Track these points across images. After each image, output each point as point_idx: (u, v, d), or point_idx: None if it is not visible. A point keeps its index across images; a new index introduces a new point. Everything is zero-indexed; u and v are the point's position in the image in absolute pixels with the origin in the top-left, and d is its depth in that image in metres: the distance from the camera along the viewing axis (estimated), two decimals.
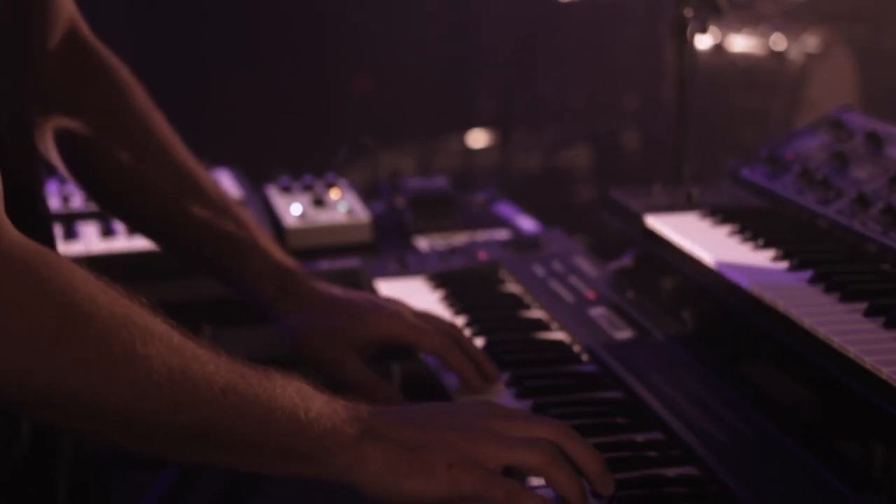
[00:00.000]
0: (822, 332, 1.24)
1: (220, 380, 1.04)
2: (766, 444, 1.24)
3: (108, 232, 1.90)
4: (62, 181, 2.01)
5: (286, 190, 2.07)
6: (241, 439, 1.06)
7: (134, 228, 1.67)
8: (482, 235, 2.01)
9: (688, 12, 1.82)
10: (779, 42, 4.57)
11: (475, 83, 5.03)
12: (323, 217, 1.98)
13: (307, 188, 2.08)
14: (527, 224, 2.07)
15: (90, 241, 1.88)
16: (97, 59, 1.51)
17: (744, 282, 1.40)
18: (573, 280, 1.71)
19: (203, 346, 1.05)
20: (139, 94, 1.53)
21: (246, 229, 1.54)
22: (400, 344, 1.47)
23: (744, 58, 4.62)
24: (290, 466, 1.09)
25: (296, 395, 1.08)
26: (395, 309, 1.49)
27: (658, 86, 4.86)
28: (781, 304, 1.32)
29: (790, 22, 4.66)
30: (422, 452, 1.09)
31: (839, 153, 1.65)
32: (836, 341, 1.22)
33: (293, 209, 2.00)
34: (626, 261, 1.74)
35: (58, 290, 0.97)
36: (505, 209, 2.15)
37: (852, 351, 1.19)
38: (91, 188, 1.56)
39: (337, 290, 1.53)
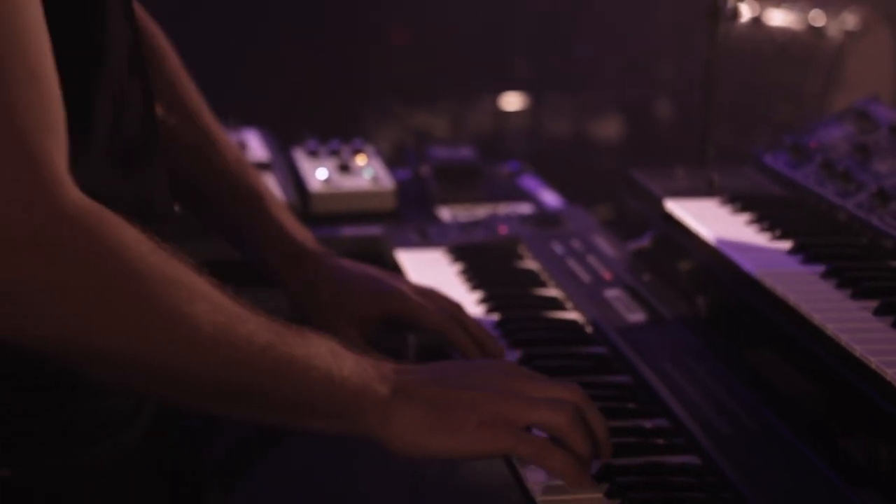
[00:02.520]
0: (831, 328, 1.25)
1: (261, 339, 1.08)
2: (769, 436, 1.26)
3: None
4: None
5: (313, 154, 2.09)
6: (279, 395, 1.10)
7: None
8: (505, 209, 2.02)
9: None
10: (818, 18, 4.53)
11: (511, 45, 5.02)
12: (347, 183, 2.00)
13: (334, 153, 2.10)
14: (550, 199, 2.08)
15: None
16: (139, 22, 1.54)
17: (756, 271, 1.41)
18: (591, 260, 1.73)
19: (244, 306, 1.09)
20: (172, 60, 1.56)
21: (262, 199, 1.57)
22: (402, 321, 1.50)
23: (781, 32, 4.59)
24: (322, 422, 1.13)
25: (329, 353, 1.12)
26: (398, 286, 1.52)
27: (694, 57, 4.83)
28: (792, 297, 1.33)
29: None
30: (449, 411, 1.12)
31: (862, 145, 1.66)
32: (844, 339, 1.23)
33: (318, 174, 2.02)
34: (644, 242, 1.75)
35: (113, 249, 1.01)
36: (530, 183, 2.16)
37: (858, 349, 1.20)
38: None
39: (345, 265, 1.56)
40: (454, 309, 1.49)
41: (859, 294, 1.33)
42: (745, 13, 4.68)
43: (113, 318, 1.01)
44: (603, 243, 1.79)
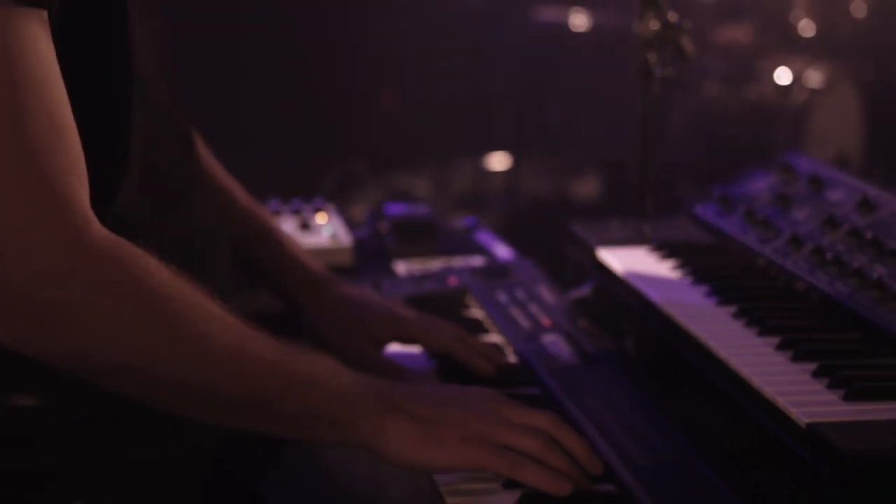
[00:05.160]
0: (734, 361, 1.35)
1: (269, 356, 1.22)
2: (682, 466, 1.34)
3: None
4: None
5: (275, 214, 2.19)
6: (285, 409, 1.24)
7: None
8: (459, 262, 2.12)
9: (651, 57, 1.92)
10: (783, 76, 4.67)
11: (491, 108, 5.15)
12: (307, 240, 2.09)
13: (295, 212, 2.20)
14: (502, 252, 2.18)
15: None
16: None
17: (673, 312, 1.51)
18: (533, 308, 1.83)
19: (252, 327, 1.22)
20: None
21: (277, 234, 1.76)
22: (410, 342, 1.67)
23: (750, 91, 4.72)
24: (322, 433, 1.27)
25: (330, 370, 1.27)
26: (406, 312, 1.69)
27: (665, 116, 4.96)
28: (703, 335, 1.43)
29: (797, 57, 4.76)
30: (436, 427, 1.25)
31: (783, 195, 1.76)
32: (744, 371, 1.32)
33: None
34: (584, 291, 1.85)
35: (139, 275, 1.15)
36: (484, 237, 2.26)
37: (756, 381, 1.30)
38: None
39: (356, 292, 1.74)
40: (456, 331, 1.65)
41: (765, 331, 1.43)
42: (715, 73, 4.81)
43: (139, 337, 1.14)
44: (546, 292, 1.89)
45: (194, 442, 1.35)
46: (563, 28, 4.89)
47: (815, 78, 4.61)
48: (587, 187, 5.08)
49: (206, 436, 1.35)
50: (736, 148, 4.59)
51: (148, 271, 1.16)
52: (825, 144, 4.67)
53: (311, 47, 4.71)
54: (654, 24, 1.93)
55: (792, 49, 4.84)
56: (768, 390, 1.27)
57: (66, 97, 1.13)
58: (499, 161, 5.09)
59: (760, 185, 1.84)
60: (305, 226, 2.15)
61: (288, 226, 2.14)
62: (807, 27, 4.90)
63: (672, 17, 1.92)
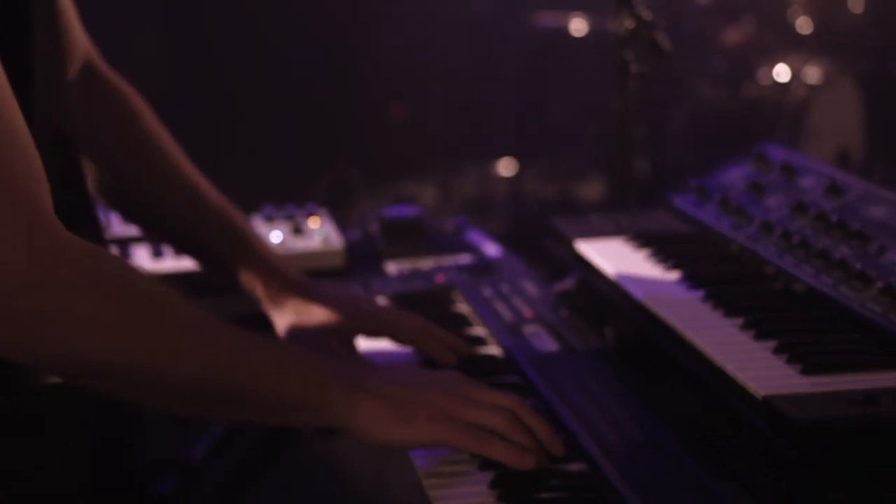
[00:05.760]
0: (699, 341, 1.40)
1: (242, 345, 1.27)
2: (655, 446, 1.39)
3: (157, 254, 2.11)
4: None
5: (269, 219, 2.25)
6: (260, 395, 1.28)
7: (149, 232, 1.93)
8: (448, 260, 2.17)
9: (627, 54, 1.97)
10: (782, 73, 4.70)
11: (493, 114, 5.20)
12: (299, 244, 2.15)
13: (289, 217, 2.25)
14: (491, 250, 2.23)
15: (142, 262, 2.09)
16: (111, 86, 1.73)
17: (643, 297, 1.56)
18: (517, 301, 1.87)
19: (223, 321, 1.28)
20: (149, 116, 1.77)
21: (246, 234, 1.79)
22: (378, 335, 1.71)
23: (748, 89, 4.76)
24: (295, 417, 1.32)
25: (298, 355, 1.33)
26: (375, 306, 1.75)
27: (665, 115, 5.00)
28: (671, 318, 1.48)
29: (795, 53, 4.79)
30: (405, 405, 1.30)
31: (756, 184, 1.81)
32: (708, 351, 1.37)
33: (273, 237, 2.17)
34: (567, 283, 1.89)
35: (111, 278, 1.20)
36: (473, 236, 2.31)
37: (719, 358, 1.34)
38: (113, 200, 1.78)
39: (325, 289, 1.77)
40: (424, 323, 1.69)
41: (730, 313, 1.47)
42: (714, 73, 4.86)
43: (119, 338, 1.19)
44: (530, 287, 1.94)
45: (68, 440, 1.40)
46: (563, 33, 4.94)
47: (813, 74, 4.64)
48: (591, 190, 5.12)
49: (84, 435, 1.40)
50: (736, 147, 4.61)
51: (116, 271, 1.21)
52: (825, 140, 4.70)
53: (315, 58, 4.77)
54: (629, 23, 1.98)
55: (790, 46, 4.87)
56: (729, 367, 1.32)
57: (20, 113, 1.17)
58: (503, 167, 5.14)
59: (736, 175, 1.89)
60: (298, 230, 2.20)
61: (281, 230, 2.20)
62: (804, 24, 4.93)
63: (646, 14, 1.97)
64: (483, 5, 5.08)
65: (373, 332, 1.71)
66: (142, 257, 2.12)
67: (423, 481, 1.34)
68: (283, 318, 1.74)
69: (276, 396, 1.29)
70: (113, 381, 1.23)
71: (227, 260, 1.79)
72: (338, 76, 4.85)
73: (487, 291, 1.93)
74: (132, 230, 2.18)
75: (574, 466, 1.37)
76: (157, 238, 1.94)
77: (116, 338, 1.19)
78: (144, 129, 1.75)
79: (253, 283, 1.77)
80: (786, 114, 4.58)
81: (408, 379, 1.37)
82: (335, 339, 1.70)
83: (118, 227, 2.18)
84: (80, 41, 1.69)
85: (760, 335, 1.39)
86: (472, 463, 1.36)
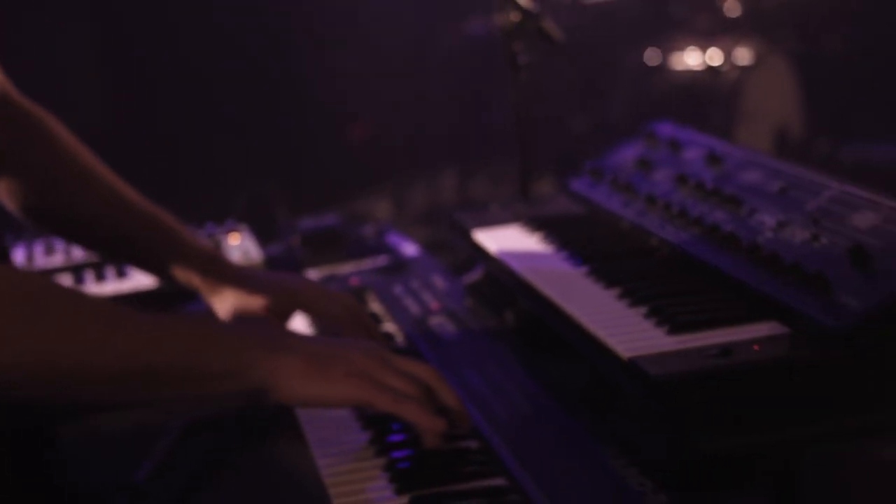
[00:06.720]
0: (577, 313, 1.45)
1: (158, 326, 1.30)
2: (540, 417, 1.44)
3: (100, 277, 2.16)
4: None
5: None
6: (183, 370, 1.31)
7: (81, 243, 1.95)
8: (367, 264, 2.22)
9: (518, 47, 2.03)
10: (715, 57, 4.77)
11: (436, 125, 5.27)
12: None
13: (210, 236, 2.30)
14: (409, 250, 2.28)
15: (89, 287, 2.15)
16: (25, 110, 1.78)
17: (526, 274, 1.61)
18: (426, 296, 1.92)
19: (135, 307, 1.31)
20: (65, 134, 1.82)
21: (171, 228, 1.83)
22: (306, 311, 1.76)
23: (682, 75, 4.82)
24: (221, 384, 1.33)
25: (220, 325, 1.38)
26: (303, 284, 1.80)
27: (604, 108, 5.07)
28: (553, 295, 1.53)
29: (727, 36, 4.86)
30: (325, 362, 1.33)
31: (645, 160, 1.86)
32: (584, 320, 1.42)
33: None
34: (475, 275, 1.94)
35: (16, 286, 1.23)
36: (393, 238, 2.36)
37: (592, 327, 1.39)
38: (39, 218, 1.82)
39: (260, 273, 1.83)
40: (349, 301, 1.74)
41: (609, 284, 1.53)
42: (651, 61, 4.93)
43: (30, 339, 1.21)
44: (440, 281, 1.99)
45: None
46: (496, 37, 5.00)
47: (744, 55, 4.71)
48: (544, 187, 5.18)
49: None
50: None
51: (23, 281, 1.26)
52: (761, 120, 4.77)
53: (268, 79, 4.83)
54: (514, 15, 2.04)
55: (720, 29, 4.94)
56: (601, 333, 1.37)
57: None
58: (450, 175, 5.20)
59: (627, 154, 1.94)
60: (217, 247, 2.25)
61: None
62: (733, 7, 5.01)
63: (530, 6, 2.02)
64: (419, 16, 5.15)
65: (300, 308, 1.77)
66: (89, 281, 2.18)
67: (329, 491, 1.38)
68: (224, 304, 1.80)
69: (198, 368, 1.31)
70: (38, 386, 1.27)
71: (162, 257, 1.84)
72: (290, 102, 4.92)
73: (399, 289, 1.98)
74: (79, 255, 2.25)
75: (469, 444, 1.42)
76: (89, 247, 1.97)
77: (34, 344, 1.23)
78: (62, 145, 1.81)
79: (190, 276, 1.82)
80: (719, 97, 4.64)
81: (328, 341, 1.41)
82: (273, 319, 1.76)
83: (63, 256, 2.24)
84: None
85: (634, 302, 1.44)
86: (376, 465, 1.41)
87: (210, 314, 1.76)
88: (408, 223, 5.13)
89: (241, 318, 1.75)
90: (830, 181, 1.51)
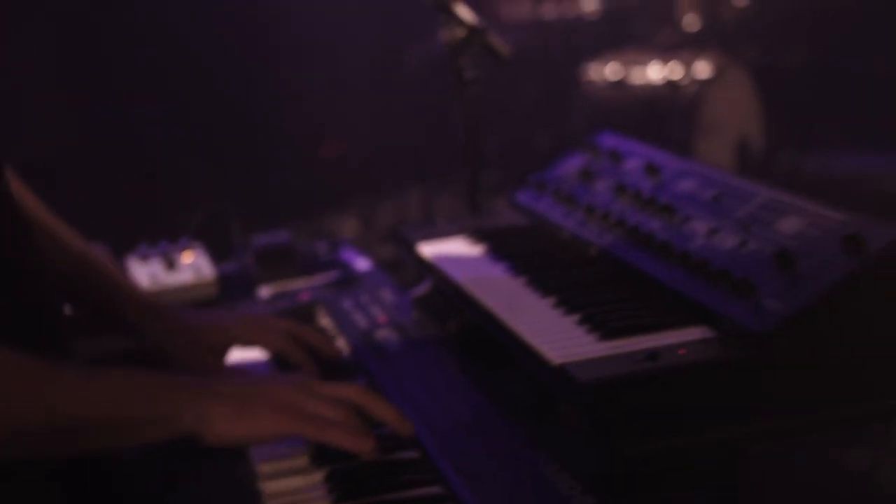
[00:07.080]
0: (512, 322, 1.47)
1: (85, 380, 1.34)
2: (480, 426, 1.46)
3: None
4: None
5: (144, 258, 2.30)
6: (113, 420, 1.35)
7: None
8: (319, 279, 2.23)
9: (464, 62, 2.05)
10: (675, 71, 4.81)
11: (402, 142, 5.30)
12: (171, 279, 2.21)
13: (164, 254, 2.31)
14: (361, 264, 2.30)
15: None
16: None
17: (467, 285, 1.63)
18: (374, 309, 1.94)
19: (64, 363, 1.35)
20: (13, 180, 1.81)
21: (111, 277, 1.84)
22: (247, 346, 1.80)
23: (643, 89, 4.87)
24: (152, 432, 1.37)
25: (148, 375, 1.40)
26: (237, 320, 1.82)
27: (566, 124, 5.10)
28: (490, 304, 1.55)
29: (686, 50, 4.90)
30: (251, 402, 1.38)
31: (587, 171, 1.88)
32: (520, 329, 1.44)
33: (146, 274, 2.23)
34: (423, 288, 1.96)
35: None
36: (346, 254, 2.38)
37: (527, 336, 1.41)
38: None
39: (189, 312, 1.85)
40: (290, 327, 1.77)
41: (546, 293, 1.55)
42: (610, 76, 4.97)
43: None
44: (389, 294, 2.01)
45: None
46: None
47: (703, 69, 4.75)
48: (505, 204, 5.20)
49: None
50: None
51: None
52: (723, 133, 4.81)
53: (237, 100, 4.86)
54: (459, 32, 2.06)
55: (680, 43, 4.99)
56: (535, 341, 1.39)
57: None
58: (416, 193, 5.23)
59: (571, 166, 1.97)
60: (171, 265, 2.26)
61: (153, 266, 2.26)
62: (692, 22, 5.06)
63: (475, 21, 2.05)
64: (384, 35, 5.18)
65: (241, 343, 1.80)
66: None
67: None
68: (162, 344, 1.81)
69: (126, 417, 1.35)
70: None
71: (97, 302, 1.85)
72: (256, 117, 4.94)
73: (348, 304, 2.00)
74: None
75: (408, 454, 1.43)
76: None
77: None
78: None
79: (125, 314, 1.84)
80: (680, 110, 4.68)
81: (252, 381, 1.45)
82: (209, 355, 1.79)
83: None
84: None
85: (569, 311, 1.47)
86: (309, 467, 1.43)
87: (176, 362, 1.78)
88: (374, 241, 5.15)
89: (177, 358, 1.78)
90: (761, 188, 1.54)
